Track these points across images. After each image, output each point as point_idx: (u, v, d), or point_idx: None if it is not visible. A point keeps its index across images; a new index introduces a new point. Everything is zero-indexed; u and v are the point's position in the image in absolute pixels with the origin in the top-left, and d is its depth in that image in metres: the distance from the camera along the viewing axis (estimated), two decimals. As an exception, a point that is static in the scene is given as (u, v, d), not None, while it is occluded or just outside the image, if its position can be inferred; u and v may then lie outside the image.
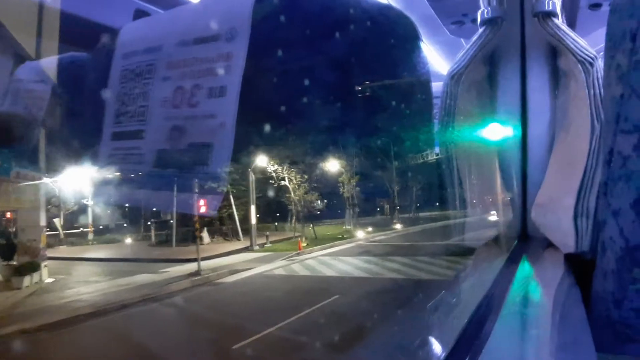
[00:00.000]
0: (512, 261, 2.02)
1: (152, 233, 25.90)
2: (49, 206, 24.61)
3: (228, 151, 1.40)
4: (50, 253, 20.37)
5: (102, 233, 27.25)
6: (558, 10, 2.13)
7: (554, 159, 2.21)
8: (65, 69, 2.28)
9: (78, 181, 22.17)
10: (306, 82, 1.69)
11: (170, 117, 1.50)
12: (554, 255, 1.95)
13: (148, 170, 1.55)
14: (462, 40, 4.13)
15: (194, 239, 21.75)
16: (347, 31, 1.66)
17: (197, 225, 18.51)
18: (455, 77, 2.20)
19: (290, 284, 13.78)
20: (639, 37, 1.03)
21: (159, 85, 1.56)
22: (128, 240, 26.28)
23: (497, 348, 1.06)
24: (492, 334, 1.12)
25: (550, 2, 2.10)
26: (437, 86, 2.27)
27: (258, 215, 28.37)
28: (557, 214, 1.94)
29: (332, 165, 27.48)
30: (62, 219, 25.68)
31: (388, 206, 34.62)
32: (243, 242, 23.05)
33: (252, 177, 22.33)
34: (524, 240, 2.36)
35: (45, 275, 14.34)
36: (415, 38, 1.87)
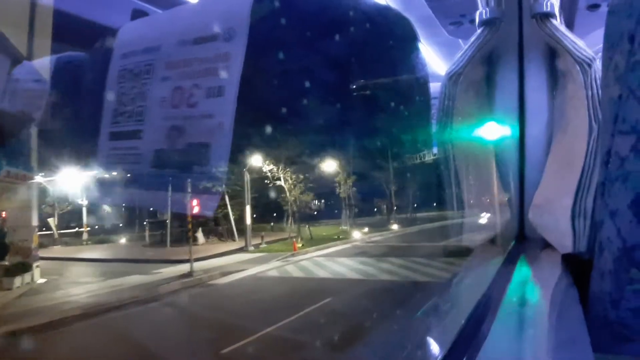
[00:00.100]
0: (510, 261, 2.02)
1: (146, 233, 25.76)
2: (43, 206, 24.55)
3: (226, 151, 1.40)
4: (44, 253, 20.19)
5: (98, 233, 27.13)
6: (556, 11, 2.13)
7: (551, 160, 2.22)
8: (62, 69, 2.27)
9: (73, 181, 22.13)
10: (304, 82, 1.69)
11: (168, 117, 1.50)
12: (552, 256, 1.95)
13: (146, 171, 1.55)
14: (460, 41, 4.13)
15: (189, 239, 21.71)
16: (345, 32, 1.67)
17: (190, 226, 18.33)
18: (453, 78, 2.20)
19: (282, 286, 13.53)
20: (637, 38, 1.03)
21: (157, 85, 1.56)
22: (123, 241, 26.14)
23: (494, 347, 1.07)
24: (489, 334, 1.12)
25: (549, 3, 2.10)
26: (435, 87, 2.28)
27: (255, 216, 28.30)
28: (555, 215, 1.95)
29: (329, 166, 27.38)
30: (56, 219, 25.53)
31: (385, 206, 34.56)
32: (238, 243, 22.74)
33: (247, 177, 22.20)
34: (522, 240, 2.37)
35: (37, 275, 14.08)
36: (413, 39, 1.88)
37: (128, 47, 1.77)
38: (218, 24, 1.48)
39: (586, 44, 2.01)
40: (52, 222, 25.15)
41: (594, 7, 3.30)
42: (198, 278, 14.49)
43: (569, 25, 3.16)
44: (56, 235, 25.06)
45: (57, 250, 22.76)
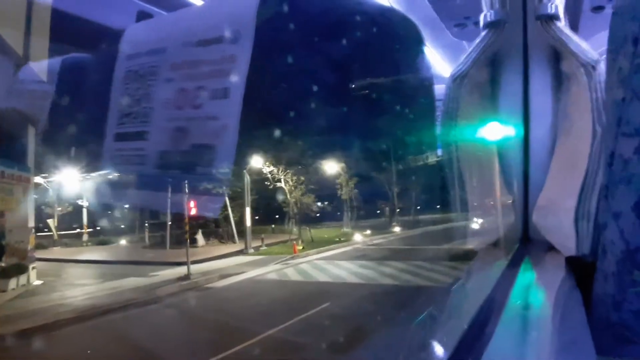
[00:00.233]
0: (514, 264, 2.01)
1: (146, 235, 25.69)
2: (43, 207, 24.59)
3: (231, 153, 1.41)
4: (43, 254, 20.13)
5: (99, 234, 27.11)
6: (561, 13, 2.13)
7: (555, 162, 2.21)
8: (68, 70, 2.29)
9: (73, 182, 22.16)
10: (307, 84, 1.69)
11: (173, 118, 1.51)
12: (555, 258, 1.95)
13: (151, 172, 1.56)
14: (464, 43, 4.13)
15: (189, 241, 21.64)
16: (349, 34, 1.67)
17: (187, 228, 18.20)
18: (457, 80, 2.20)
19: (280, 289, 13.42)
20: (641, 41, 1.03)
21: (163, 87, 1.57)
22: (123, 242, 26.11)
23: (498, 350, 1.07)
24: (493, 336, 1.12)
25: (553, 5, 2.10)
26: (439, 89, 2.28)
27: (257, 217, 28.23)
28: (558, 217, 1.95)
29: (331, 167, 27.27)
30: (56, 220, 25.52)
31: (388, 208, 34.44)
32: (238, 245, 22.57)
33: (247, 179, 22.09)
34: (526, 243, 2.36)
35: (34, 277, 13.97)
36: (418, 40, 1.88)
37: (133, 49, 1.78)
38: (224, 26, 1.49)
39: (590, 46, 2.01)
40: (51, 223, 25.16)
41: (598, 9, 3.30)
42: (195, 281, 14.45)
43: (573, 27, 3.16)
44: (56, 237, 25.06)
45: (56, 252, 22.76)
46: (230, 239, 24.25)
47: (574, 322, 1.26)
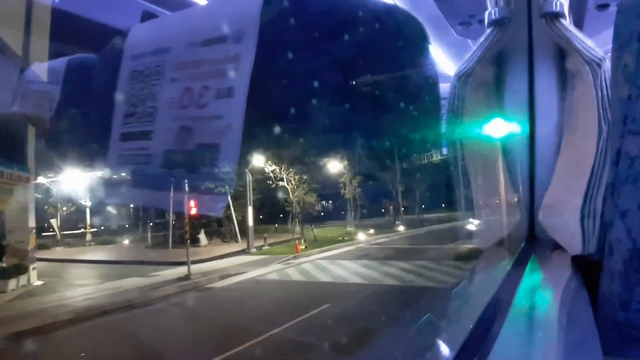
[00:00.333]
0: (520, 263, 2.01)
1: (149, 234, 25.72)
2: (46, 207, 24.71)
3: (235, 152, 1.41)
4: (46, 254, 20.24)
5: (103, 234, 27.18)
6: (566, 11, 2.12)
7: (561, 160, 2.21)
8: (73, 70, 2.29)
9: (77, 181, 22.23)
10: (312, 83, 1.69)
11: (178, 118, 1.51)
12: (562, 257, 1.95)
13: (156, 171, 1.57)
14: (469, 41, 4.12)
15: (192, 241, 21.55)
16: (353, 32, 1.67)
17: (186, 228, 18.15)
18: (462, 78, 2.20)
19: (281, 290, 13.33)
20: (647, 38, 1.03)
21: (167, 87, 1.57)
22: (126, 242, 26.17)
23: (504, 350, 1.06)
24: (499, 336, 1.12)
25: (558, 3, 2.09)
26: (444, 87, 2.27)
27: (261, 217, 28.24)
28: (564, 216, 1.94)
29: (334, 166, 27.21)
30: (59, 220, 25.59)
31: (392, 207, 34.38)
32: (241, 245, 22.58)
33: (249, 178, 22.04)
34: (532, 242, 2.35)
35: (34, 277, 14.07)
36: (422, 39, 1.87)
37: (138, 49, 1.79)
38: (227, 25, 1.49)
39: (596, 44, 2.00)
40: (54, 223, 25.26)
41: (603, 6, 3.28)
42: (195, 281, 14.39)
43: (578, 25, 3.15)
44: (59, 236, 25.17)
45: (59, 252, 22.88)
46: (233, 238, 24.25)
47: (580, 321, 1.25)
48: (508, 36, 2.24)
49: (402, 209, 33.30)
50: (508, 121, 2.38)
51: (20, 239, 13.96)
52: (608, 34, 1.25)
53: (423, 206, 33.66)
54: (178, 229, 22.05)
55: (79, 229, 27.36)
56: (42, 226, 24.78)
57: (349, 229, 28.60)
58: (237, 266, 17.47)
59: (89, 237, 26.69)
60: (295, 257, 19.31)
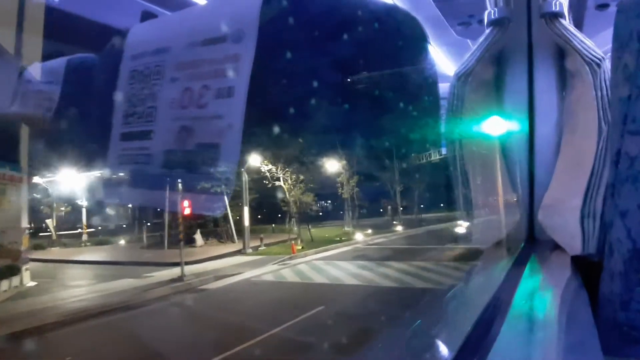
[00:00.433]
0: (519, 263, 2.01)
1: (144, 235, 25.52)
2: (42, 207, 24.64)
3: (235, 152, 1.41)
4: (42, 255, 20.11)
5: (100, 234, 27.01)
6: (565, 11, 2.12)
7: (561, 160, 2.21)
8: (73, 70, 2.29)
9: (73, 181, 22.14)
10: (311, 82, 1.69)
11: (178, 117, 1.51)
12: (561, 257, 1.94)
13: (156, 171, 1.56)
14: (468, 41, 4.12)
15: (188, 241, 21.34)
16: (353, 32, 1.67)
17: (180, 228, 17.92)
18: (462, 78, 2.20)
19: (275, 292, 13.18)
20: (647, 38, 1.03)
21: (167, 86, 1.57)
22: (122, 242, 26.00)
23: (504, 349, 1.06)
24: (499, 336, 1.11)
25: (558, 3, 2.09)
26: (444, 87, 2.27)
27: (260, 216, 28.13)
28: (564, 216, 1.94)
29: (332, 166, 27.07)
30: (54, 220, 25.43)
31: (390, 207, 34.30)
32: (237, 245, 22.38)
33: (245, 178, 21.87)
34: (531, 242, 2.35)
35: (27, 278, 13.88)
36: (421, 39, 1.87)
37: (138, 49, 1.79)
38: (227, 25, 1.49)
39: (595, 44, 2.00)
40: (50, 223, 25.12)
41: (603, 6, 3.28)
42: (188, 282, 14.20)
43: (578, 25, 3.15)
44: (54, 237, 25.00)
45: (54, 252, 22.66)
46: (230, 238, 24.06)
47: (580, 322, 1.25)
48: (508, 36, 2.24)
49: (401, 208, 33.25)
50: (508, 121, 2.38)
51: (13, 240, 13.73)
52: (608, 34, 1.25)
53: (422, 206, 33.63)
54: (174, 229, 21.89)
55: (78, 229, 27.26)
56: (40, 226, 24.73)
57: (346, 229, 28.44)
58: (233, 267, 17.27)
59: (85, 237, 26.52)
60: (291, 258, 19.08)
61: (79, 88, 2.24)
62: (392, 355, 1.44)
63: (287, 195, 24.65)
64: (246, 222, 22.19)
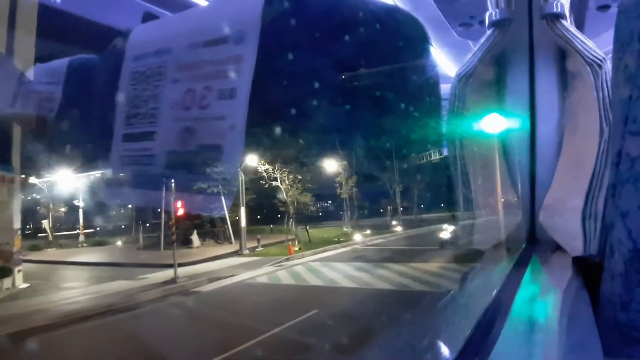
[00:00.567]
0: (520, 264, 2.01)
1: (140, 236, 25.35)
2: (38, 207, 24.63)
3: (238, 153, 1.41)
4: (38, 256, 19.98)
5: (98, 235, 26.89)
6: (566, 12, 2.12)
7: (562, 161, 2.21)
8: (75, 71, 2.30)
9: (70, 182, 22.09)
10: (312, 83, 1.70)
11: (180, 118, 1.52)
12: (562, 258, 1.95)
13: (159, 172, 1.57)
14: (469, 42, 4.12)
15: (184, 242, 21.23)
16: (354, 33, 1.67)
17: (173, 229, 17.76)
18: (463, 79, 2.20)
19: (269, 294, 12.89)
20: (648, 39, 1.03)
21: (169, 88, 1.58)
22: (119, 243, 25.87)
23: (505, 351, 1.06)
24: (500, 337, 1.12)
25: (559, 4, 2.09)
26: (445, 88, 2.28)
27: (259, 217, 28.04)
28: (565, 217, 1.94)
29: (331, 166, 26.93)
30: (50, 221, 25.34)
31: (390, 207, 34.23)
32: (234, 246, 22.24)
33: (241, 178, 21.70)
34: (532, 243, 2.35)
35: (20, 280, 13.72)
36: (423, 39, 1.88)
37: (139, 50, 1.79)
38: (229, 26, 1.49)
39: (596, 44, 2.00)
40: (46, 223, 25.05)
41: (604, 7, 3.28)
42: (181, 285, 13.97)
43: (579, 26, 3.15)
44: (51, 237, 24.90)
45: (50, 253, 22.50)
46: (227, 239, 23.87)
47: (581, 322, 1.25)
48: (509, 37, 2.25)
49: (401, 209, 33.20)
50: (509, 122, 2.38)
51: (5, 241, 13.55)
52: (609, 34, 1.26)
53: (422, 206, 33.60)
54: (171, 229, 21.72)
55: (76, 230, 27.19)
56: (38, 227, 24.74)
57: (345, 229, 28.35)
58: (228, 268, 17.08)
59: (82, 238, 26.42)
60: (287, 259, 18.94)
61: (80, 89, 2.24)
62: (392, 356, 1.44)
63: (285, 195, 24.54)
64: (243, 222, 22.02)
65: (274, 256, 19.63)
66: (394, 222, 31.07)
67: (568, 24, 2.11)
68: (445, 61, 5.51)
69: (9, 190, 13.26)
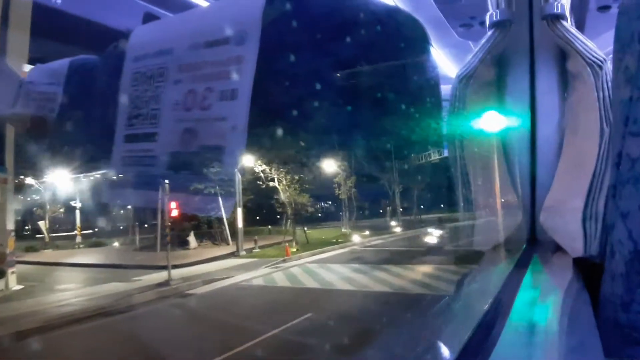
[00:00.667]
0: (521, 265, 2.01)
1: (137, 237, 25.22)
2: (35, 208, 24.59)
3: (239, 154, 1.42)
4: (34, 257, 19.86)
5: (96, 236, 26.77)
6: (567, 12, 2.13)
7: (563, 162, 2.21)
8: (75, 72, 2.30)
9: (68, 183, 22.02)
10: (313, 84, 1.70)
11: (182, 119, 1.52)
12: (563, 259, 1.95)
13: (161, 173, 1.57)
14: (470, 43, 4.13)
15: (181, 243, 21.08)
16: (355, 34, 1.68)
17: (167, 230, 17.60)
18: (464, 80, 2.20)
19: (263, 297, 12.67)
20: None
21: (171, 88, 1.58)
22: (116, 244, 25.75)
23: (505, 352, 1.07)
24: (500, 338, 1.12)
25: (559, 5, 2.09)
26: (446, 89, 2.28)
27: (257, 218, 27.94)
28: (566, 218, 1.94)
29: (329, 166, 26.77)
30: (47, 222, 25.24)
31: (389, 208, 34.13)
32: (231, 247, 21.79)
33: (238, 178, 21.52)
34: (533, 243, 2.36)
35: (13, 282, 13.54)
36: (423, 40, 1.88)
37: (140, 50, 1.79)
38: (230, 27, 1.50)
39: (597, 45, 2.00)
40: (42, 225, 24.97)
41: (604, 8, 3.29)
42: (175, 287, 13.80)
43: (580, 27, 3.15)
44: (47, 239, 24.81)
45: (47, 254, 22.32)
46: (224, 240, 23.70)
47: (581, 323, 1.25)
48: (509, 38, 2.25)
49: (401, 209, 33.13)
50: (509, 123, 2.38)
51: None
52: (609, 35, 1.26)
53: (422, 207, 33.54)
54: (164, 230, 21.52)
55: (74, 231, 27.11)
56: (36, 228, 24.71)
57: (343, 230, 28.19)
58: (224, 270, 16.82)
59: (79, 239, 26.33)
60: (284, 261, 18.65)
61: (81, 89, 2.24)
62: (393, 357, 1.44)
63: (282, 195, 24.39)
64: (239, 223, 21.77)
65: (271, 257, 19.35)
66: (393, 223, 30.97)
67: (568, 24, 2.11)
68: (445, 62, 5.51)
69: (2, 191, 13.07)
